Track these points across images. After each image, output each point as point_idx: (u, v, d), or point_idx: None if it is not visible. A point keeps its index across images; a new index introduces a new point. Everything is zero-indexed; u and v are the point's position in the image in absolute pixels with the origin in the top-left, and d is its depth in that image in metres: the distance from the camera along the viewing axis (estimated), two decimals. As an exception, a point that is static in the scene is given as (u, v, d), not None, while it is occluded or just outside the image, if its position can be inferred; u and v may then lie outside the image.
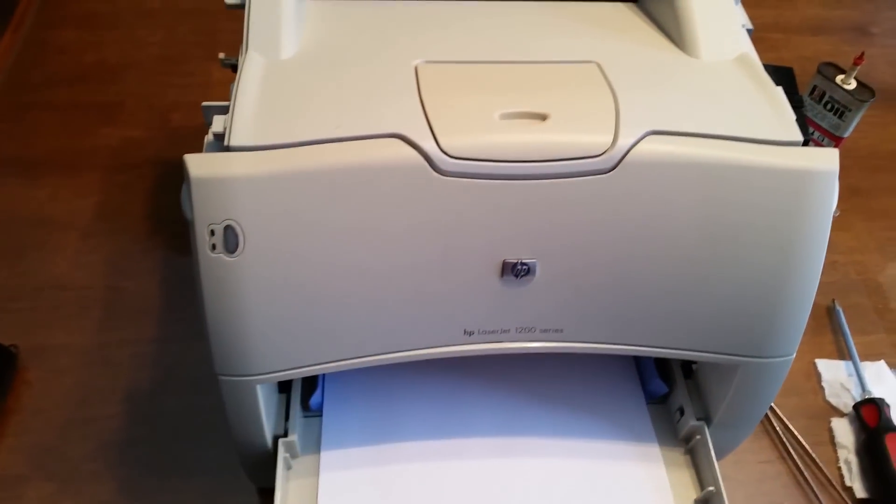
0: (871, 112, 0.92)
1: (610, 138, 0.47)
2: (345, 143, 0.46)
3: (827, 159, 0.49)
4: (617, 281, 0.51)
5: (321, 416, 0.65)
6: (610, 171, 0.47)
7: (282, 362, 0.52)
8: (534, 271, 0.50)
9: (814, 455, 0.76)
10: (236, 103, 0.49)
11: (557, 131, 0.48)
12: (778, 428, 0.77)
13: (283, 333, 0.50)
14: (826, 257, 0.51)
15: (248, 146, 0.46)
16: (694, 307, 0.53)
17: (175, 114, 1.05)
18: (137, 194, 0.95)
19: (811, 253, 0.50)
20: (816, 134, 0.97)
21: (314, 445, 0.63)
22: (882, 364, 0.83)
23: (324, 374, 0.66)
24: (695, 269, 0.51)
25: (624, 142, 0.47)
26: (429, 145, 0.46)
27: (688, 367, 0.67)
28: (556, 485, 0.61)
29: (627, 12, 0.63)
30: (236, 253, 0.47)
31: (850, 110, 0.92)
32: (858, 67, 0.90)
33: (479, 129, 0.47)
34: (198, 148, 0.50)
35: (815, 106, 0.95)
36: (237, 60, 0.54)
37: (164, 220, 0.92)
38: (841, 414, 0.79)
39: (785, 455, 0.76)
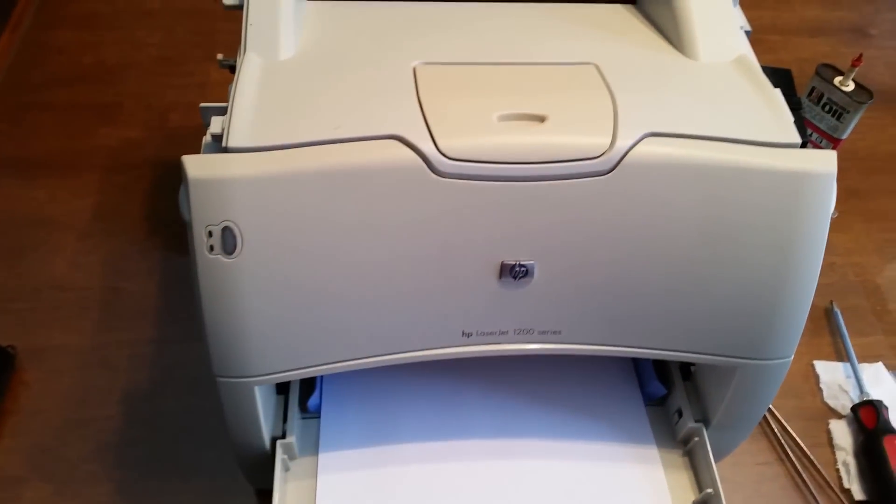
0: (869, 114, 0.92)
1: (608, 140, 0.47)
2: (343, 144, 0.46)
3: (825, 161, 0.49)
4: (615, 283, 0.52)
5: (319, 417, 0.65)
6: (608, 173, 0.47)
7: (280, 364, 0.52)
8: (532, 273, 0.50)
9: (812, 457, 0.76)
10: (234, 104, 0.48)
11: (555, 133, 0.48)
12: (776, 430, 0.77)
13: (281, 335, 0.50)
14: (824, 259, 0.51)
15: (246, 147, 0.46)
16: (692, 309, 0.53)
17: (173, 114, 1.05)
18: (136, 195, 0.95)
19: (809, 255, 0.50)
20: (814, 135, 0.97)
21: (312, 447, 0.63)
22: (880, 366, 0.83)
23: (322, 376, 0.66)
24: (693, 272, 0.51)
25: (622, 144, 0.47)
26: (427, 147, 0.46)
27: (686, 368, 0.67)
28: (554, 487, 0.61)
29: (626, 14, 0.63)
30: (234, 254, 0.47)
31: (848, 112, 0.92)
32: (856, 69, 0.90)
33: (477, 130, 0.47)
34: (196, 148, 0.50)
35: (814, 108, 0.95)
36: (235, 61, 0.54)
37: (163, 220, 0.92)
38: (839, 416, 0.79)
39: (783, 457, 0.76)
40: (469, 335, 0.53)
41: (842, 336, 0.86)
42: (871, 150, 1.09)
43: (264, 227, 0.46)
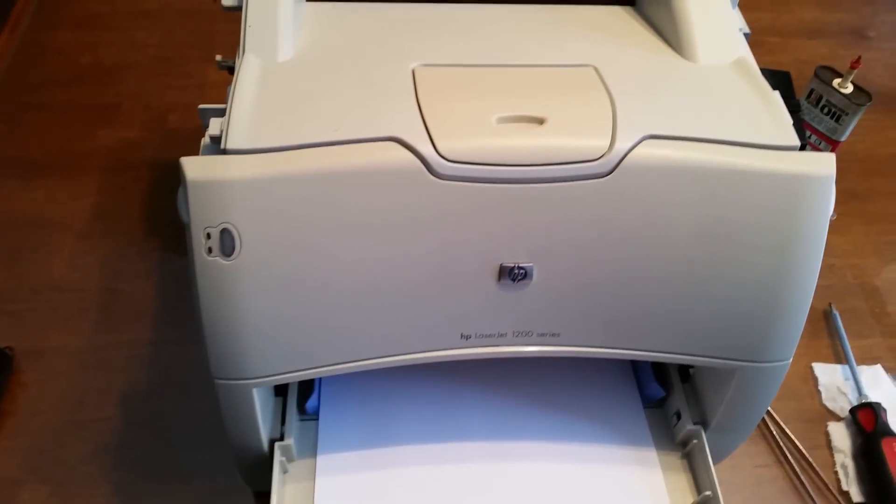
0: (867, 116, 0.92)
1: (607, 142, 0.47)
2: (342, 146, 0.46)
3: (824, 163, 0.49)
4: (614, 285, 0.51)
5: (317, 419, 0.65)
6: (607, 176, 0.47)
7: (278, 366, 0.52)
8: (531, 275, 0.50)
9: (810, 459, 0.76)
10: (233, 106, 0.48)
11: (554, 135, 0.48)
12: (775, 432, 0.77)
13: (280, 337, 0.50)
14: (823, 261, 0.51)
15: (244, 149, 0.46)
16: (691, 312, 0.53)
17: (172, 115, 1.05)
18: (134, 196, 0.95)
19: (808, 257, 0.50)
20: (813, 138, 0.97)
21: (310, 449, 0.63)
22: (878, 368, 0.83)
23: (320, 378, 0.66)
24: (692, 274, 0.51)
25: (621, 146, 0.47)
26: (426, 149, 0.46)
27: (685, 371, 0.67)
28: (552, 489, 0.61)
29: (625, 16, 0.63)
30: (232, 256, 0.46)
31: (846, 114, 0.92)
32: (855, 71, 0.90)
33: (476, 132, 0.47)
34: (195, 149, 0.50)
35: (812, 110, 0.95)
36: (234, 63, 0.54)
37: (161, 222, 0.92)
38: (837, 418, 0.79)
39: (782, 459, 0.76)
40: (468, 337, 0.53)
41: (840, 338, 0.86)
42: (870, 152, 1.09)
43: (263, 229, 0.46)
